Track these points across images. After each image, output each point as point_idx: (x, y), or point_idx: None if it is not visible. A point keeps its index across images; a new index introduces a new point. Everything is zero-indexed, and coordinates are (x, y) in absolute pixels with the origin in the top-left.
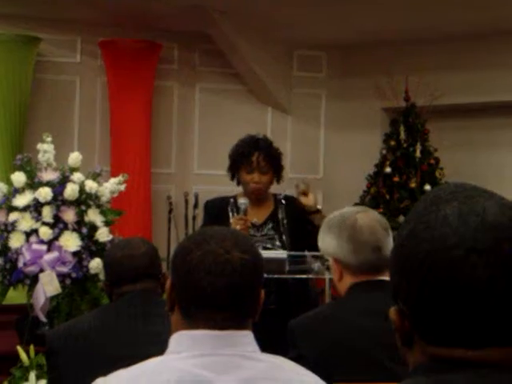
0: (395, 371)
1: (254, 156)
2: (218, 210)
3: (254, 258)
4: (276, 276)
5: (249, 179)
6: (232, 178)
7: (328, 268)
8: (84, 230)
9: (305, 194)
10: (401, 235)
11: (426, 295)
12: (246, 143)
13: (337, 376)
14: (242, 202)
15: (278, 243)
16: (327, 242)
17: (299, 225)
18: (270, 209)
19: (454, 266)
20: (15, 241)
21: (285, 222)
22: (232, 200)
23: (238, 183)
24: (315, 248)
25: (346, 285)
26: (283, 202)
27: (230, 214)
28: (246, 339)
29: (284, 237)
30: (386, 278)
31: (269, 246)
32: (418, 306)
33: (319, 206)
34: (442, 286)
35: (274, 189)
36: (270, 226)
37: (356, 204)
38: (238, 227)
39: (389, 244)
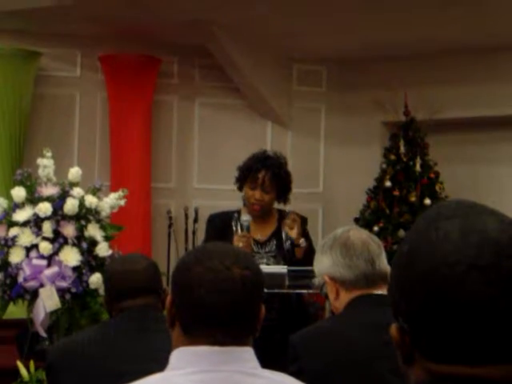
0: None
1: (261, 174)
2: (222, 223)
3: (255, 275)
4: (276, 291)
5: (250, 195)
6: (240, 189)
7: (326, 296)
8: (84, 245)
9: (291, 228)
10: (401, 252)
11: (426, 312)
12: (256, 158)
13: None
14: (245, 219)
15: (281, 261)
16: (323, 262)
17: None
18: (274, 226)
19: (455, 283)
20: (15, 256)
21: (288, 239)
22: (236, 215)
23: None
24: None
25: (343, 303)
26: None
27: (234, 229)
28: (246, 355)
29: (287, 254)
30: (383, 291)
31: (271, 263)
32: (418, 323)
33: (301, 242)
34: (442, 303)
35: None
36: (274, 243)
37: (356, 218)
38: (240, 244)
39: (382, 259)
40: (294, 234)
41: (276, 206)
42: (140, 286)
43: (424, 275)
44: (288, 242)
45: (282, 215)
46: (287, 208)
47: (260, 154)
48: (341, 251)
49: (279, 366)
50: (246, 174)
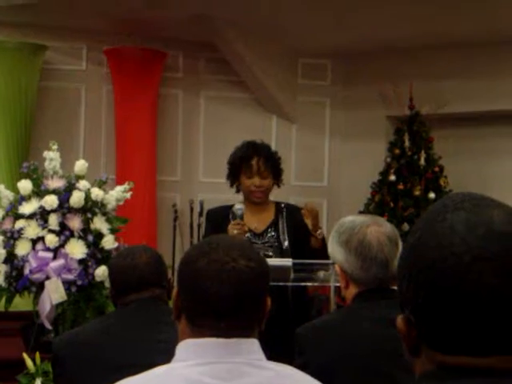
0: (402, 379)
1: (254, 160)
2: (219, 218)
3: (260, 267)
4: (281, 284)
5: (249, 184)
6: (232, 185)
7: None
8: (90, 238)
9: (306, 217)
10: (408, 243)
11: (432, 303)
12: (244, 148)
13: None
14: (238, 207)
15: (279, 251)
16: (336, 250)
17: (299, 235)
18: (271, 217)
19: (461, 274)
20: (21, 248)
21: (285, 231)
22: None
23: (238, 190)
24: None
25: (352, 294)
26: (285, 210)
27: (232, 221)
28: (252, 347)
29: (285, 245)
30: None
31: (270, 253)
32: (424, 313)
33: (318, 234)
34: (448, 294)
35: (278, 196)
36: (272, 234)
37: (360, 212)
38: (235, 232)
39: (397, 259)
40: (308, 224)
41: (274, 198)
42: (144, 280)
43: (430, 266)
44: (286, 232)
45: (279, 208)
46: (290, 200)
47: (246, 144)
48: (355, 251)
49: (279, 358)
50: (239, 165)
